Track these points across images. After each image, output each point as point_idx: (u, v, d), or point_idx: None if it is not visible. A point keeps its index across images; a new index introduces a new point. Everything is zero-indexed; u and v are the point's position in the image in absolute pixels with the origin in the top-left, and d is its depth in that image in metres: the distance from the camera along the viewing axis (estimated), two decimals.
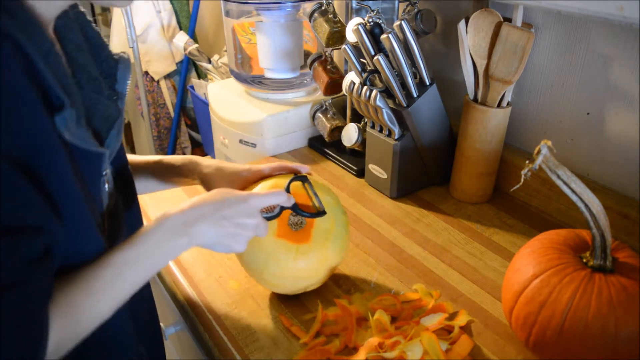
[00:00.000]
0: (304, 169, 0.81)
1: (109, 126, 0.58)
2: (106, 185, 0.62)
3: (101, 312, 0.54)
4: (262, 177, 0.80)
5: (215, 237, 0.63)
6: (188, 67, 2.28)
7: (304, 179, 0.78)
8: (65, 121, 0.48)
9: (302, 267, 0.74)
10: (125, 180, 0.69)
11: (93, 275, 0.54)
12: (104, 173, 0.60)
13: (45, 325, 0.48)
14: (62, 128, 0.48)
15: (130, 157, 0.81)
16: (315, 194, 0.77)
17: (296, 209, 0.73)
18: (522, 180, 0.64)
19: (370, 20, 1.00)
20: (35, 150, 0.46)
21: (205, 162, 0.82)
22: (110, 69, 0.61)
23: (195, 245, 0.62)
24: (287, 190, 0.74)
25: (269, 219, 0.71)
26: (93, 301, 0.53)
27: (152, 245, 0.58)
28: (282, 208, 0.72)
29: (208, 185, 0.80)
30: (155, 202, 1.07)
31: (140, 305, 0.71)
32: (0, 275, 0.44)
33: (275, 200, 0.70)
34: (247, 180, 0.80)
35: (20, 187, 0.45)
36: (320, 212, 0.75)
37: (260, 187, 0.77)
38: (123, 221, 0.65)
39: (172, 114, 2.35)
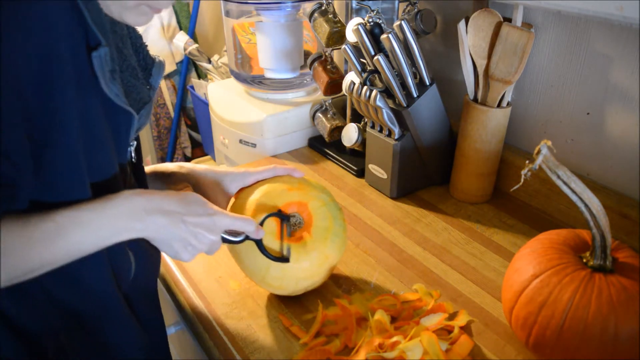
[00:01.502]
0: (299, 173, 0.81)
1: (140, 106, 0.63)
2: (133, 154, 0.67)
3: (32, 262, 0.52)
4: (257, 181, 0.80)
5: (168, 237, 0.61)
6: (188, 67, 2.28)
7: (285, 218, 0.75)
8: (101, 60, 0.53)
9: (304, 267, 0.74)
10: (141, 171, 0.72)
11: (38, 222, 0.52)
12: (131, 143, 0.63)
13: None
14: (98, 69, 0.53)
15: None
16: (287, 236, 0.75)
17: (260, 245, 0.71)
18: (522, 180, 0.64)
19: (370, 20, 1.00)
20: (44, 80, 0.49)
21: (198, 168, 0.82)
22: (147, 64, 0.68)
23: (145, 236, 0.60)
24: (261, 223, 0.73)
25: (227, 242, 0.69)
26: (26, 248, 0.51)
27: (107, 217, 0.56)
28: (247, 237, 0.70)
29: (201, 193, 0.80)
30: None
31: (143, 299, 0.71)
32: None
33: (243, 228, 0.68)
34: (242, 185, 0.80)
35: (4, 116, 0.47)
36: (283, 259, 0.72)
37: (253, 195, 0.77)
38: None
39: (172, 114, 2.35)
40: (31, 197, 0.53)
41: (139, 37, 0.68)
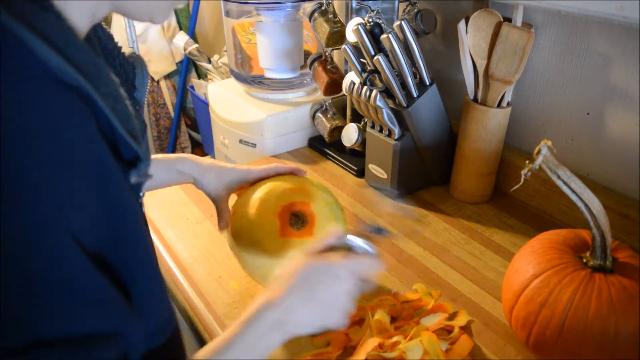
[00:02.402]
0: (301, 172, 0.80)
1: (139, 142, 0.49)
2: (143, 208, 0.57)
3: None
4: (260, 178, 0.81)
5: (311, 326, 0.56)
6: (188, 67, 2.29)
7: (379, 231, 0.69)
8: (139, 172, 0.44)
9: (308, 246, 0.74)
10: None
11: None
12: (141, 195, 0.54)
13: None
14: (133, 179, 0.44)
15: None
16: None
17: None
18: (522, 180, 0.64)
19: (370, 20, 1.00)
20: (117, 230, 0.41)
21: (200, 160, 0.79)
22: (127, 73, 0.55)
23: (289, 337, 0.55)
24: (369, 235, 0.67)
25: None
26: None
27: (255, 342, 0.52)
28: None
29: (203, 186, 0.79)
30: (156, 201, 1.07)
31: None
32: None
33: (371, 268, 0.61)
34: (245, 182, 0.80)
35: (96, 286, 0.39)
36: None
37: (256, 193, 0.77)
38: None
39: (172, 114, 2.35)
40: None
41: (110, 37, 0.55)
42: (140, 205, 0.54)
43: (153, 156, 0.78)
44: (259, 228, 0.74)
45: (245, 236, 0.74)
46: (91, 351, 0.38)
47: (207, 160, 0.81)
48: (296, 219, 0.76)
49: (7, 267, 0.35)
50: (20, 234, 0.35)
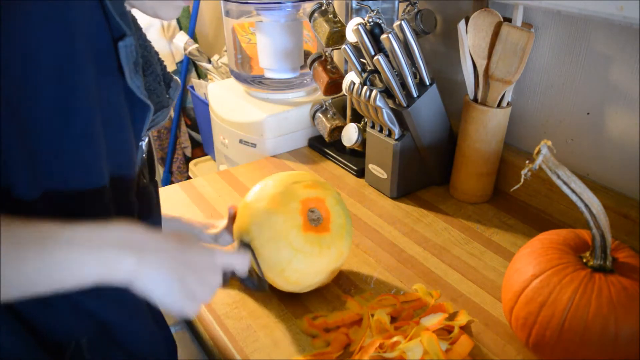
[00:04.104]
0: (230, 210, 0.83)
1: (159, 108, 0.64)
2: (144, 149, 0.66)
3: (19, 283, 0.43)
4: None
5: (167, 281, 0.51)
6: (188, 67, 2.28)
7: (246, 246, 0.74)
8: (127, 50, 0.53)
9: (323, 262, 0.75)
10: (152, 168, 0.71)
11: (24, 227, 0.44)
12: (142, 137, 0.62)
13: None
14: (124, 59, 0.53)
15: None
16: (257, 263, 0.74)
17: (247, 279, 0.71)
18: (522, 180, 0.64)
19: (370, 20, 1.00)
20: (61, 76, 0.48)
21: (214, 226, 0.85)
22: (166, 78, 0.69)
23: (138, 277, 0.49)
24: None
25: (226, 282, 0.64)
26: (18, 263, 0.43)
27: (94, 242, 0.47)
28: (233, 275, 0.66)
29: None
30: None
31: None
32: None
33: (240, 262, 0.63)
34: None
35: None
36: (263, 283, 0.73)
37: (269, 189, 0.78)
38: (151, 207, 0.66)
39: (172, 114, 2.35)
40: (44, 185, 0.50)
41: (157, 52, 0.70)
42: (139, 144, 0.62)
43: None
44: (283, 222, 0.74)
45: (266, 232, 0.74)
46: None
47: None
48: (312, 214, 0.76)
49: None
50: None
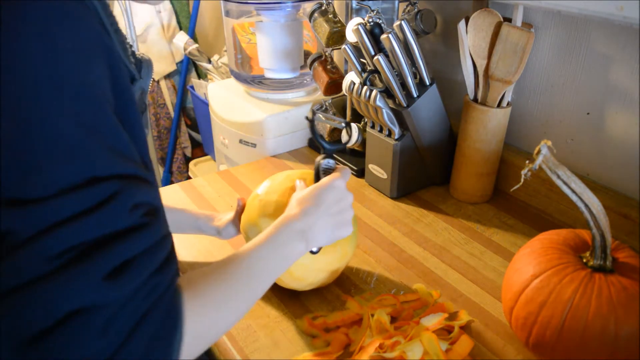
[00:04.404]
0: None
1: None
2: None
3: (235, 309, 0.54)
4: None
5: (328, 231, 0.66)
6: (188, 67, 2.28)
7: (330, 155, 0.77)
8: (136, 91, 0.53)
9: (329, 260, 0.76)
10: None
11: (223, 269, 0.54)
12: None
13: (179, 305, 0.47)
14: (136, 95, 0.52)
15: None
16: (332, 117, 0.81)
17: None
18: (522, 180, 0.64)
19: (370, 20, 1.00)
20: (125, 108, 0.48)
21: (216, 219, 0.87)
22: (135, 66, 0.64)
23: (309, 246, 0.65)
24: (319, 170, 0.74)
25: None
26: (226, 295, 0.53)
27: (278, 246, 0.61)
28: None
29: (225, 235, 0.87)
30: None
31: None
32: (121, 219, 0.43)
33: (348, 176, 0.71)
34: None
35: (127, 140, 0.46)
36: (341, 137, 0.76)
37: (283, 183, 0.78)
38: None
39: (172, 114, 2.35)
40: None
41: (124, 37, 0.67)
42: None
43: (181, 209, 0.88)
44: None
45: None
46: (129, 188, 0.44)
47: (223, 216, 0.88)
48: None
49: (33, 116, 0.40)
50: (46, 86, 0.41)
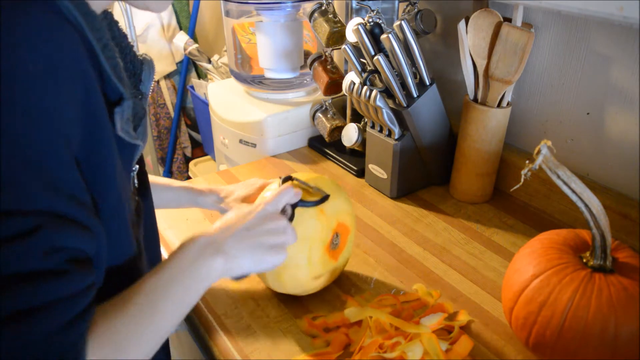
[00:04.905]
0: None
1: (137, 123, 0.56)
2: (136, 181, 0.61)
3: (143, 343, 0.48)
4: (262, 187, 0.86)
5: (249, 250, 0.60)
6: (188, 67, 2.28)
7: (289, 178, 0.76)
8: (122, 112, 0.49)
9: (315, 284, 0.76)
10: (145, 188, 0.66)
11: (129, 300, 0.49)
12: (133, 169, 0.58)
13: (82, 349, 0.42)
14: (117, 121, 0.48)
15: (153, 179, 0.83)
16: (306, 184, 0.76)
17: (303, 202, 0.72)
18: (522, 180, 0.64)
19: (370, 20, 1.00)
20: (92, 139, 0.45)
21: (223, 191, 0.87)
22: (135, 69, 0.60)
23: (231, 266, 0.58)
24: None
25: (292, 217, 0.70)
26: (133, 329, 0.48)
27: (186, 267, 0.55)
28: (292, 207, 0.70)
29: (226, 212, 0.83)
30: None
31: None
32: (34, 259, 0.39)
33: (286, 197, 0.67)
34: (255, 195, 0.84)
35: (75, 179, 0.43)
36: (324, 197, 0.73)
37: (260, 197, 0.78)
38: (140, 230, 0.62)
39: (172, 114, 2.35)
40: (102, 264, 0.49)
41: (124, 36, 0.61)
42: (129, 179, 0.57)
43: (185, 185, 0.88)
44: (318, 231, 0.73)
45: (299, 226, 0.71)
46: (60, 229, 0.41)
47: (227, 189, 0.88)
48: (335, 238, 0.77)
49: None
50: (20, 122, 0.39)
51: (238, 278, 0.62)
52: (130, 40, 0.61)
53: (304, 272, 0.74)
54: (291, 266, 0.73)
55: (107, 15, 0.59)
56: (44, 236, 0.40)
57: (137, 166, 0.61)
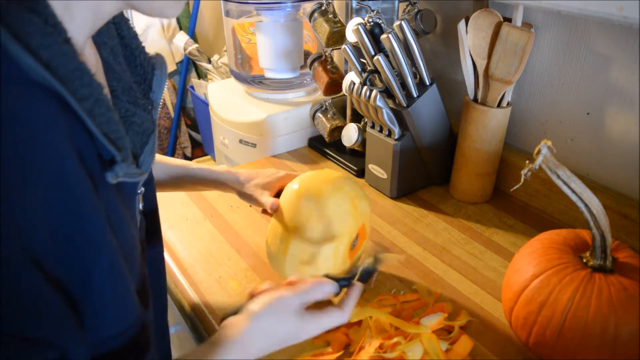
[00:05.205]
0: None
1: (144, 140, 0.50)
2: (140, 204, 0.55)
3: None
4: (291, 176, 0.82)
5: (275, 347, 0.59)
6: (188, 67, 2.28)
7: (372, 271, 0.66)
8: (116, 174, 0.43)
9: (344, 268, 0.76)
10: (152, 209, 0.62)
11: None
12: (139, 191, 0.54)
13: None
14: (110, 179, 0.43)
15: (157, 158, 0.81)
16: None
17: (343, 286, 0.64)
18: (522, 180, 0.64)
19: (370, 20, 1.00)
20: (70, 235, 0.39)
21: (243, 174, 0.84)
22: (146, 74, 0.55)
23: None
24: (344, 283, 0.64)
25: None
26: None
27: None
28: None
29: (245, 195, 0.83)
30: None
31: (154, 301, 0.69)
32: None
33: (328, 294, 0.61)
34: (281, 184, 0.81)
35: (41, 294, 0.38)
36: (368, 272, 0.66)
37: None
38: (145, 251, 0.58)
39: (172, 114, 2.35)
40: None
41: (134, 36, 0.55)
42: (134, 201, 0.53)
43: (196, 168, 0.85)
44: (349, 227, 0.73)
45: (338, 225, 0.72)
46: (24, 352, 0.36)
47: (247, 172, 0.85)
48: (355, 240, 0.77)
49: None
50: None
51: None
52: (141, 41, 0.55)
53: (327, 264, 0.73)
54: (319, 256, 0.71)
55: (115, 17, 0.53)
56: None
57: (143, 188, 0.56)
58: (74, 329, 0.41)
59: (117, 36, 0.53)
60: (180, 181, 0.85)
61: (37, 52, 0.35)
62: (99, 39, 0.49)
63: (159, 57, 0.56)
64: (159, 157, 0.84)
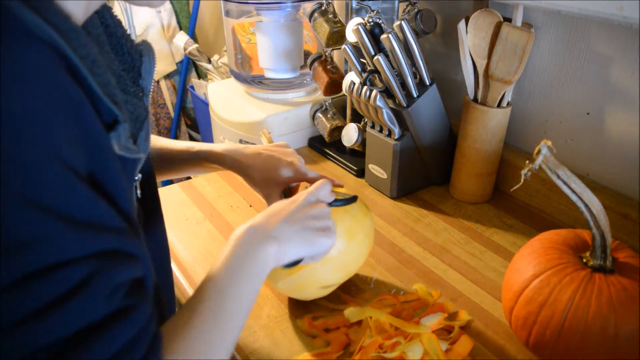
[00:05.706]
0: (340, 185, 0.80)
1: (138, 127, 0.51)
2: (138, 191, 0.57)
3: (221, 350, 0.49)
4: (305, 179, 0.80)
5: (299, 234, 0.60)
6: (188, 67, 2.29)
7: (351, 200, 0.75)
8: (119, 136, 0.44)
9: (331, 279, 0.75)
10: (151, 190, 0.63)
11: (194, 313, 0.49)
12: (136, 178, 0.54)
13: None
14: (114, 143, 0.43)
15: (162, 143, 0.81)
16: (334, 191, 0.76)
17: (336, 201, 0.72)
18: (522, 180, 0.64)
19: (370, 20, 1.00)
20: (101, 165, 0.41)
21: (247, 150, 0.81)
22: (134, 61, 0.55)
23: (284, 251, 0.58)
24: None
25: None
26: (207, 341, 0.48)
27: (240, 263, 0.54)
28: (328, 205, 0.70)
29: (249, 176, 0.79)
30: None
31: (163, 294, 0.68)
32: (98, 308, 0.38)
33: (325, 191, 0.68)
34: (289, 180, 0.79)
35: (100, 209, 0.40)
36: (353, 197, 0.75)
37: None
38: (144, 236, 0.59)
39: (172, 114, 2.35)
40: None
41: (119, 24, 0.55)
42: (131, 187, 0.53)
43: (197, 148, 0.82)
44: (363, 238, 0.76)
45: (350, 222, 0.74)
46: (111, 266, 0.39)
47: (251, 149, 0.82)
48: None
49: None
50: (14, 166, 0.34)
51: (290, 265, 0.63)
52: (126, 28, 0.56)
53: (335, 262, 0.73)
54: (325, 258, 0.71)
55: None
56: (102, 280, 0.38)
57: (140, 175, 0.57)
58: (141, 243, 0.45)
59: (100, 25, 0.53)
60: (184, 164, 0.83)
61: (38, 10, 0.36)
62: (82, 52, 0.49)
63: (145, 44, 0.56)
64: (164, 142, 0.83)
